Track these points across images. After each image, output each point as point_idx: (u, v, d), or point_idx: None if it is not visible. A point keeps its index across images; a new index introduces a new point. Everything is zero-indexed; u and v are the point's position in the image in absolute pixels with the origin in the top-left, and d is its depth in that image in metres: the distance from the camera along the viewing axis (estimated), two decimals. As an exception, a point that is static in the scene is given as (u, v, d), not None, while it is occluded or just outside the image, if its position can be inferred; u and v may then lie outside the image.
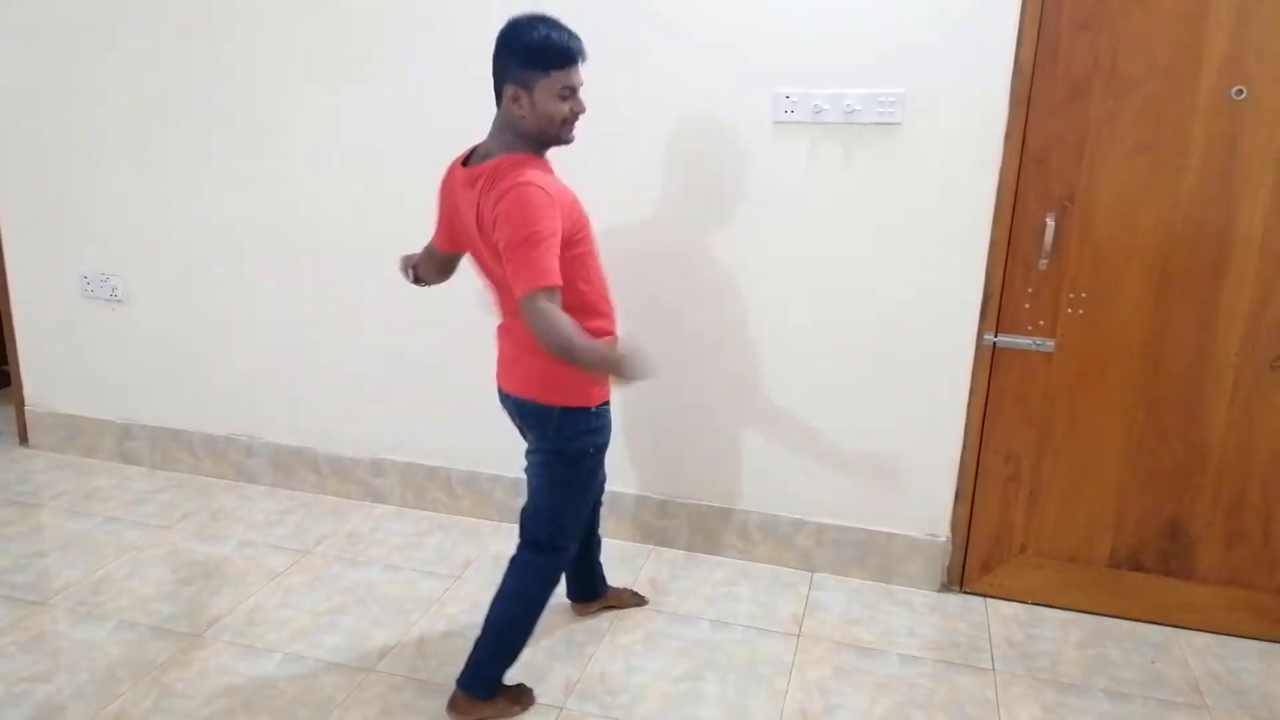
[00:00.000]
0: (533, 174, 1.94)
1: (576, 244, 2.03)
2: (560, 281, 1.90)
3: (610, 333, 2.17)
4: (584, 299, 2.08)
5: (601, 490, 2.51)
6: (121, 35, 3.20)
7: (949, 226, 2.62)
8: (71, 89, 3.32)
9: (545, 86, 1.96)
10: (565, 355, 1.86)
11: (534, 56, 1.96)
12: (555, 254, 1.89)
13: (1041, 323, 2.63)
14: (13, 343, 3.71)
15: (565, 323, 1.87)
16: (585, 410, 2.14)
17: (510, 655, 2.25)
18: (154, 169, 3.30)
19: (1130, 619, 2.74)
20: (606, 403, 2.20)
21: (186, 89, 3.18)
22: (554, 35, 1.96)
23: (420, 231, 3.06)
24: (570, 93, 2.00)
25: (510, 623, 2.23)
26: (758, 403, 2.90)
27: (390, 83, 2.97)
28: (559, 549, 2.23)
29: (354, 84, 3.00)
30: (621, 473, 3.06)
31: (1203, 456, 2.61)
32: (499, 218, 1.91)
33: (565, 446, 2.14)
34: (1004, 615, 2.77)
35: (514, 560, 2.24)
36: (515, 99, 1.98)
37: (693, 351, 2.91)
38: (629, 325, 2.91)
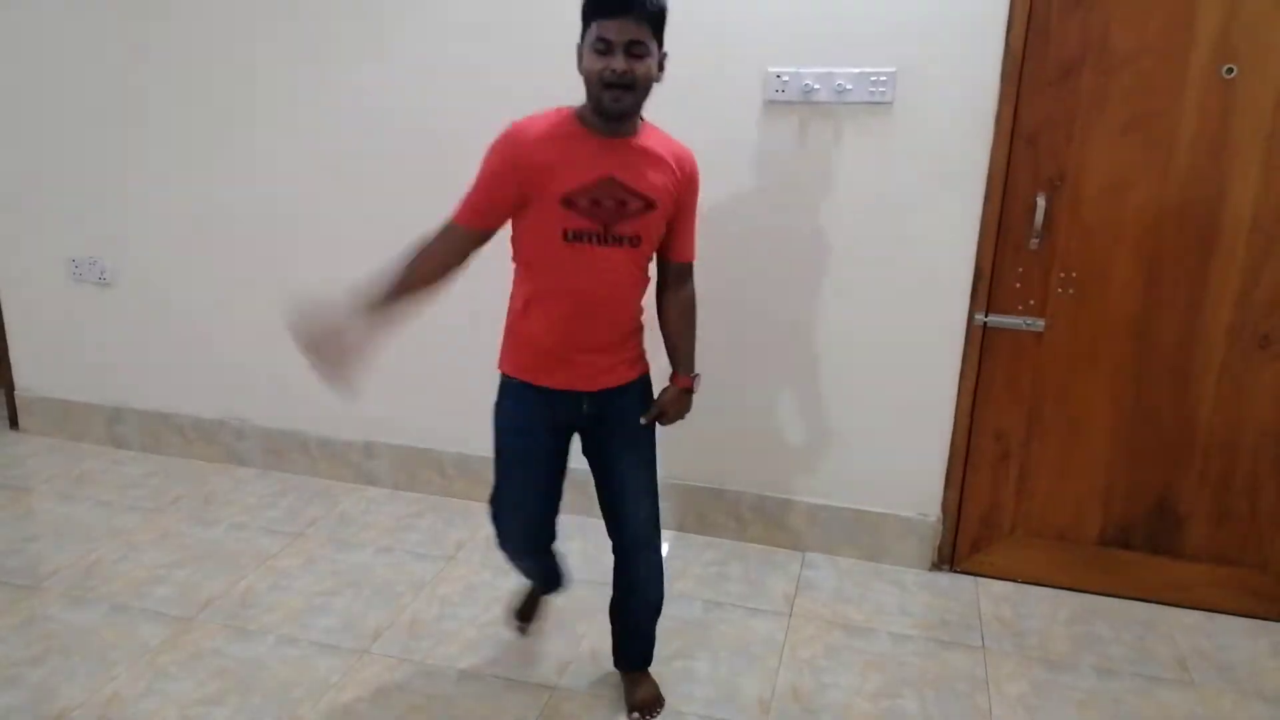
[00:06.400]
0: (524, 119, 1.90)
1: (532, 201, 1.88)
2: (463, 219, 1.93)
3: (537, 324, 1.99)
4: (526, 269, 1.99)
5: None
6: (106, 19, 3.17)
7: (939, 206, 2.62)
8: (57, 73, 3.28)
9: (586, 39, 1.80)
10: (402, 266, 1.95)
11: (583, 6, 1.82)
12: (477, 193, 1.91)
13: (1032, 302, 2.63)
14: (1, 327, 3.69)
15: (414, 251, 1.95)
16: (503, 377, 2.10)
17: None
18: (141, 151, 3.27)
19: (1119, 596, 2.76)
20: (518, 381, 2.04)
21: (173, 72, 3.16)
22: None
23: (405, 209, 3.04)
24: (605, 46, 1.76)
25: None
26: (747, 384, 2.90)
27: (375, 62, 2.95)
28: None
29: (339, 63, 2.98)
30: (613, 454, 3.07)
31: (1191, 435, 2.62)
32: None
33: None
34: (994, 593, 2.79)
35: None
36: (579, 58, 1.84)
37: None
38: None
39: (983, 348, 2.70)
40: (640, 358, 2.12)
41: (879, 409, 2.82)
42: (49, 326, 3.61)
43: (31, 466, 3.49)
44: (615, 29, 1.76)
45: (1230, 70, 2.37)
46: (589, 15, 1.80)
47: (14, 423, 3.79)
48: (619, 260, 1.93)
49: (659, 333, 2.16)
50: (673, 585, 2.77)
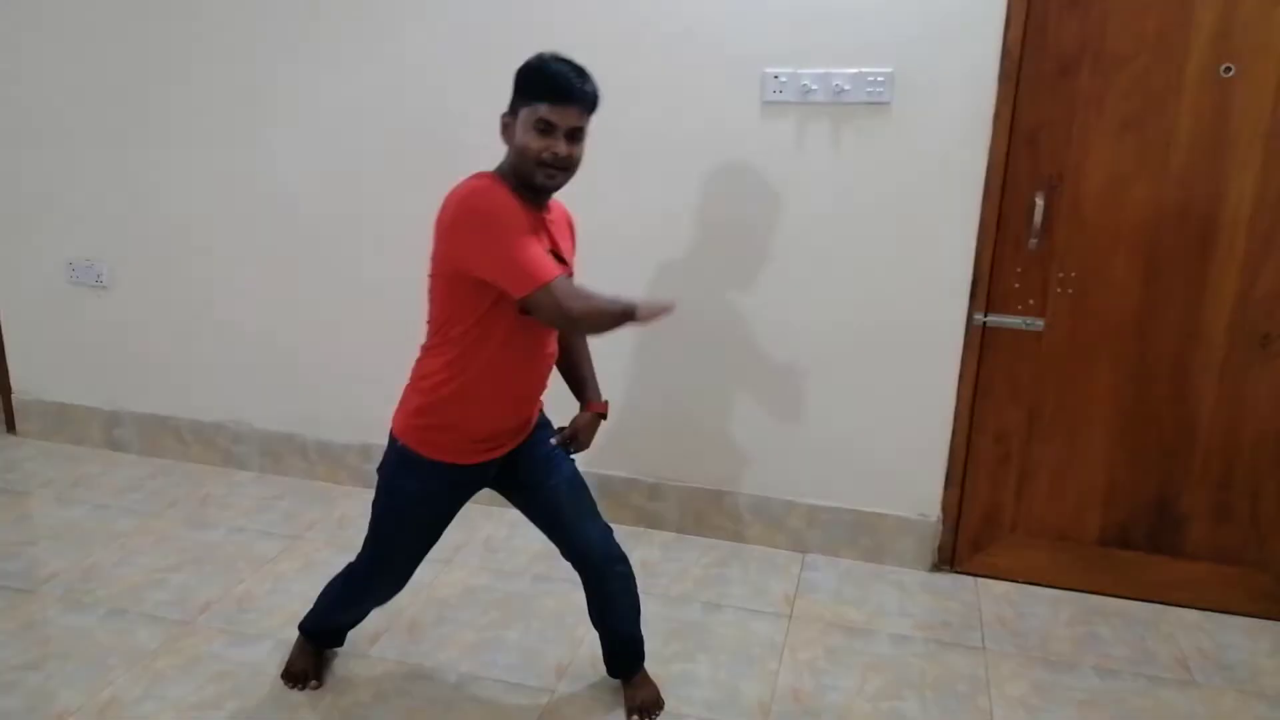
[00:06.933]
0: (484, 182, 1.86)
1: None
2: (554, 271, 1.79)
3: (473, 409, 1.98)
4: (468, 345, 1.94)
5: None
6: (102, 21, 3.16)
7: (938, 206, 2.61)
8: (53, 75, 3.28)
9: (525, 115, 1.83)
10: (600, 323, 1.85)
11: (524, 81, 1.85)
12: (533, 245, 1.81)
13: (1031, 302, 2.63)
14: (-2, 330, 3.69)
15: (588, 293, 1.82)
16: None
17: (319, 617, 2.32)
18: (137, 154, 3.27)
19: (1119, 596, 2.76)
20: (429, 459, 2.02)
21: (168, 74, 3.15)
22: (551, 66, 1.83)
23: (405, 212, 3.04)
24: (547, 127, 1.81)
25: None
26: (748, 385, 2.90)
27: (371, 64, 2.94)
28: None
29: (335, 66, 2.98)
30: (613, 456, 3.06)
31: (1191, 435, 2.62)
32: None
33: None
34: (995, 594, 2.78)
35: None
36: (505, 127, 1.89)
37: (682, 334, 2.90)
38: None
39: (982, 348, 2.69)
40: (539, 405, 2.18)
41: (878, 409, 2.81)
42: (46, 329, 3.60)
43: (29, 470, 3.48)
44: (560, 114, 1.82)
45: (1228, 69, 2.37)
46: (530, 95, 1.83)
47: (11, 426, 3.78)
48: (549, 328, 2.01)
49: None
50: (672, 587, 2.77)
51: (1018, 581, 2.84)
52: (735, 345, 2.87)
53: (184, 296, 3.38)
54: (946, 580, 2.85)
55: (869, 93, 2.56)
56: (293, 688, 2.29)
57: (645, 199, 2.82)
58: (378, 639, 2.49)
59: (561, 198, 2.84)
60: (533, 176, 1.85)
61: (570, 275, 2.00)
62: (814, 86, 2.59)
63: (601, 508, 3.06)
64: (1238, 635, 2.60)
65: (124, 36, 3.16)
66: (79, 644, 2.44)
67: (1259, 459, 2.60)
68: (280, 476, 3.45)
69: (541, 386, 2.10)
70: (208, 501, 3.26)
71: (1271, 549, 2.65)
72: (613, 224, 2.85)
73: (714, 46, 2.64)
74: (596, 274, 2.88)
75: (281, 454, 3.44)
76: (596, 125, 2.75)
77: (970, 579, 2.86)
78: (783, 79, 2.61)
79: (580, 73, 1.85)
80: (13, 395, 3.73)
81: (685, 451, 3.02)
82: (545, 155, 1.82)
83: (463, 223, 1.83)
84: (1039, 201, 2.53)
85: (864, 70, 2.55)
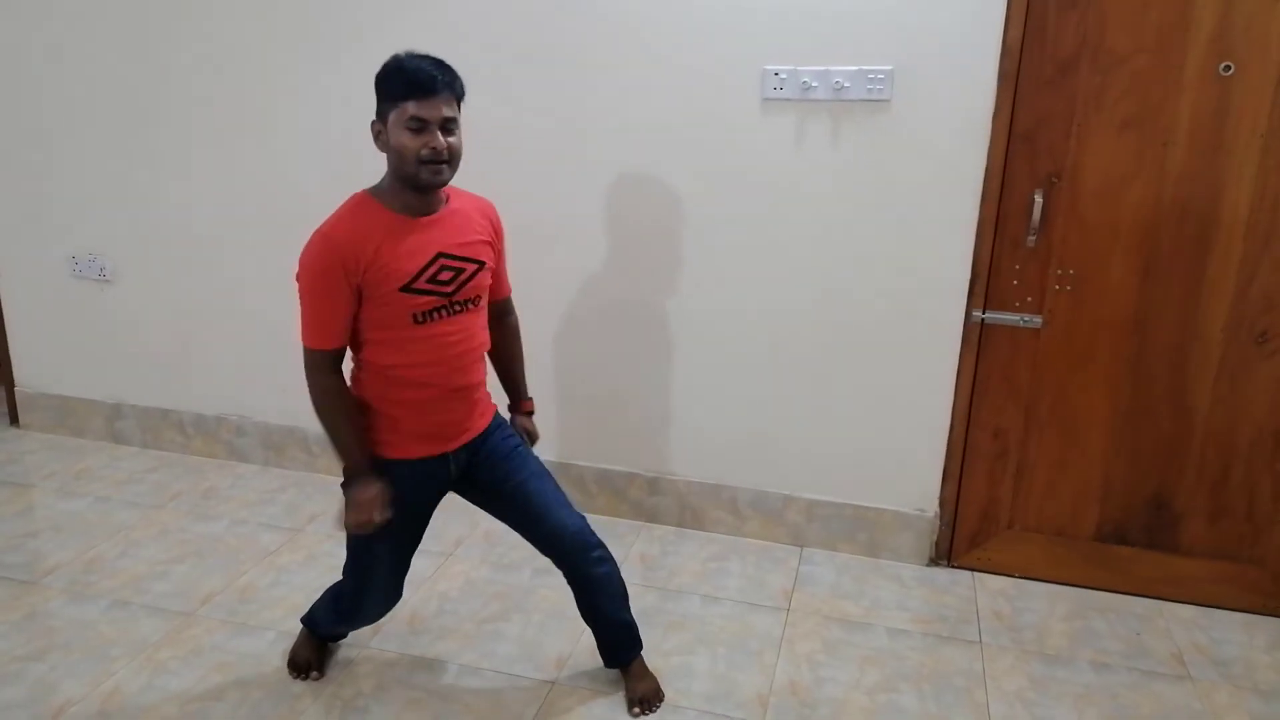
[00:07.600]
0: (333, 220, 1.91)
1: (371, 297, 1.89)
2: (317, 344, 1.91)
3: (397, 405, 2.00)
4: (374, 353, 1.97)
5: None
6: (107, 15, 3.17)
7: (937, 203, 2.62)
8: (58, 70, 3.29)
9: (395, 118, 1.83)
10: (318, 413, 1.96)
11: (385, 85, 1.85)
12: (318, 311, 1.89)
13: (1029, 299, 2.64)
14: (1, 324, 3.70)
15: (316, 406, 1.94)
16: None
17: (317, 622, 2.34)
18: (142, 149, 3.28)
19: (1116, 592, 2.77)
20: (379, 459, 2.02)
21: (173, 69, 3.16)
22: (409, 64, 1.83)
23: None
24: (420, 125, 1.81)
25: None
26: (747, 380, 2.91)
27: (374, 60, 2.94)
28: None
29: (338, 62, 2.99)
30: (612, 450, 3.08)
31: (1188, 431, 2.63)
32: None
33: None
34: (991, 589, 2.80)
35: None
36: (377, 135, 1.89)
37: (682, 330, 2.91)
38: (620, 307, 2.92)
39: (980, 344, 2.71)
40: (488, 398, 2.17)
41: (877, 405, 2.82)
42: (50, 323, 3.62)
43: (32, 463, 3.50)
44: (429, 108, 1.82)
45: (1228, 68, 2.38)
46: (395, 96, 1.83)
47: (14, 419, 3.79)
48: (466, 323, 2.01)
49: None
50: (671, 580, 2.79)
51: (1014, 576, 2.85)
52: (734, 340, 2.88)
53: (187, 290, 3.40)
54: (944, 575, 2.87)
55: (869, 90, 2.57)
56: (296, 678, 2.31)
57: (646, 195, 2.82)
58: (379, 630, 2.50)
59: (560, 195, 2.87)
60: (417, 176, 1.85)
61: (485, 266, 2.03)
62: (814, 84, 2.60)
63: (600, 502, 3.11)
64: (1233, 630, 2.62)
65: (127, 31, 3.17)
66: (81, 635, 2.46)
67: (1255, 456, 2.61)
68: (282, 469, 3.46)
69: (471, 377, 2.06)
70: (210, 494, 3.27)
71: (1267, 545, 2.66)
72: (613, 219, 2.86)
73: (714, 44, 2.65)
74: (598, 270, 2.91)
75: (284, 447, 3.45)
76: (596, 123, 2.78)
77: (967, 574, 2.88)
78: (783, 76, 2.61)
79: (439, 64, 1.85)
80: (16, 388, 3.75)
81: (684, 446, 3.03)
82: (424, 152, 1.82)
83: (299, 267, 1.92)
84: (1037, 199, 2.54)
85: (864, 68, 2.56)
